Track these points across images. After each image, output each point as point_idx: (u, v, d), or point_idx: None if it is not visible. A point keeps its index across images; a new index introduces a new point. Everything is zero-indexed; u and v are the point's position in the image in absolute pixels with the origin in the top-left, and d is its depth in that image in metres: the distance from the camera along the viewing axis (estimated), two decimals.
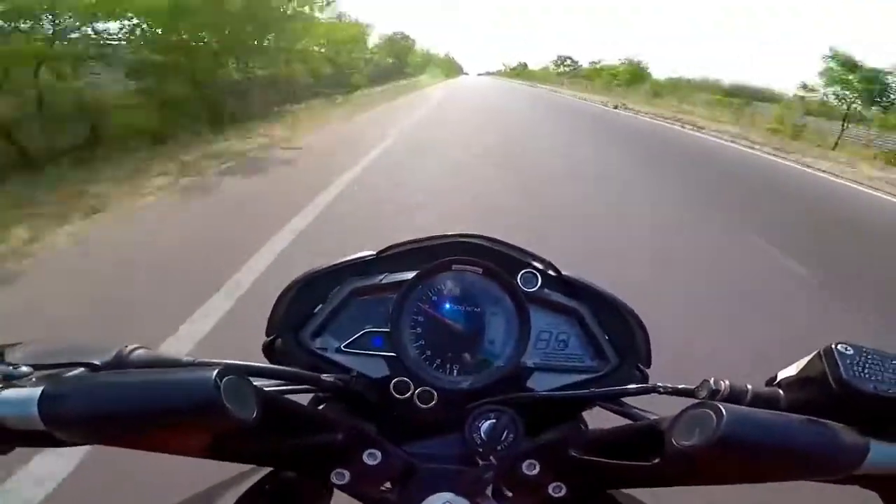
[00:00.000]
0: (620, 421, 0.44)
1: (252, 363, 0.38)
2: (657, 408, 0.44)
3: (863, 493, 0.35)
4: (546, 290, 0.48)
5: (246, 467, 0.47)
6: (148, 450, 0.32)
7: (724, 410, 0.29)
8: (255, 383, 0.32)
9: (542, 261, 0.50)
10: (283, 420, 0.36)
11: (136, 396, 0.29)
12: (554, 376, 0.48)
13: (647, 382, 0.46)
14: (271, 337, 0.49)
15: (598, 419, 0.48)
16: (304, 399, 0.45)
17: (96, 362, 0.36)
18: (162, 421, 0.29)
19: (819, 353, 0.34)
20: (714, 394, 0.38)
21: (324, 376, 0.42)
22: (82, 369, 0.36)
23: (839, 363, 0.33)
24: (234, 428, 0.29)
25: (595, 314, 0.48)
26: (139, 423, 0.30)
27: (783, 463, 0.30)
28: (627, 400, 0.47)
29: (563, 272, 0.49)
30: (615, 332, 0.49)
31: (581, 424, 0.47)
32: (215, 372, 0.29)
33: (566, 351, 0.48)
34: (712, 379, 0.39)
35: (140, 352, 0.38)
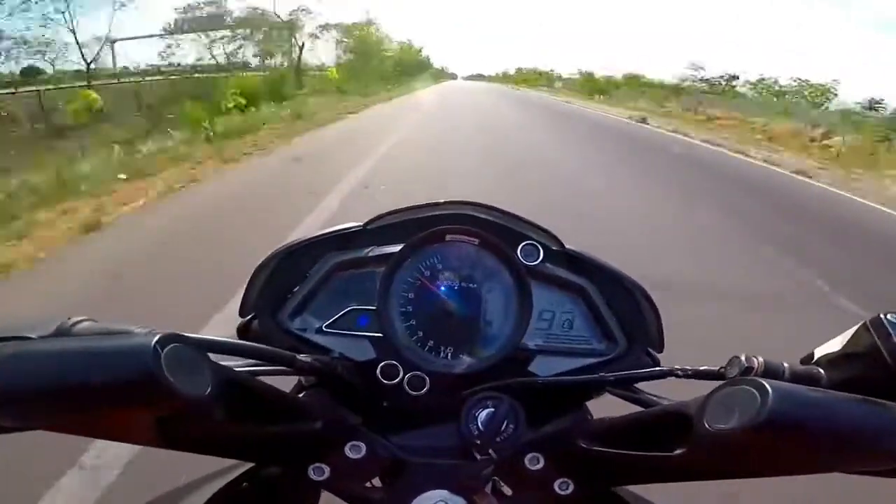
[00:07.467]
0: (632, 409, 0.39)
1: (210, 336, 0.31)
2: (672, 395, 0.39)
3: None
4: (548, 265, 0.44)
5: (225, 462, 0.42)
6: (84, 434, 0.27)
7: (769, 387, 0.25)
8: (222, 363, 0.27)
9: (544, 232, 0.45)
10: (249, 404, 0.31)
11: (58, 367, 0.24)
12: (558, 360, 0.44)
13: (659, 366, 0.42)
14: (247, 317, 0.44)
15: (607, 408, 0.43)
16: (285, 388, 0.40)
17: (31, 336, 0.31)
18: (90, 396, 0.24)
19: (865, 324, 0.31)
20: (747, 372, 0.34)
21: (300, 356, 0.37)
22: (12, 343, 0.30)
23: (892, 334, 0.29)
24: (182, 407, 0.24)
25: (602, 292, 0.44)
26: (64, 398, 0.24)
27: (837, 448, 0.26)
28: (640, 386, 0.42)
29: (567, 246, 0.45)
30: (624, 313, 0.45)
31: (588, 414, 0.43)
32: (155, 338, 0.24)
33: (571, 332, 0.44)
34: (743, 356, 0.34)
35: (86, 324, 0.33)
